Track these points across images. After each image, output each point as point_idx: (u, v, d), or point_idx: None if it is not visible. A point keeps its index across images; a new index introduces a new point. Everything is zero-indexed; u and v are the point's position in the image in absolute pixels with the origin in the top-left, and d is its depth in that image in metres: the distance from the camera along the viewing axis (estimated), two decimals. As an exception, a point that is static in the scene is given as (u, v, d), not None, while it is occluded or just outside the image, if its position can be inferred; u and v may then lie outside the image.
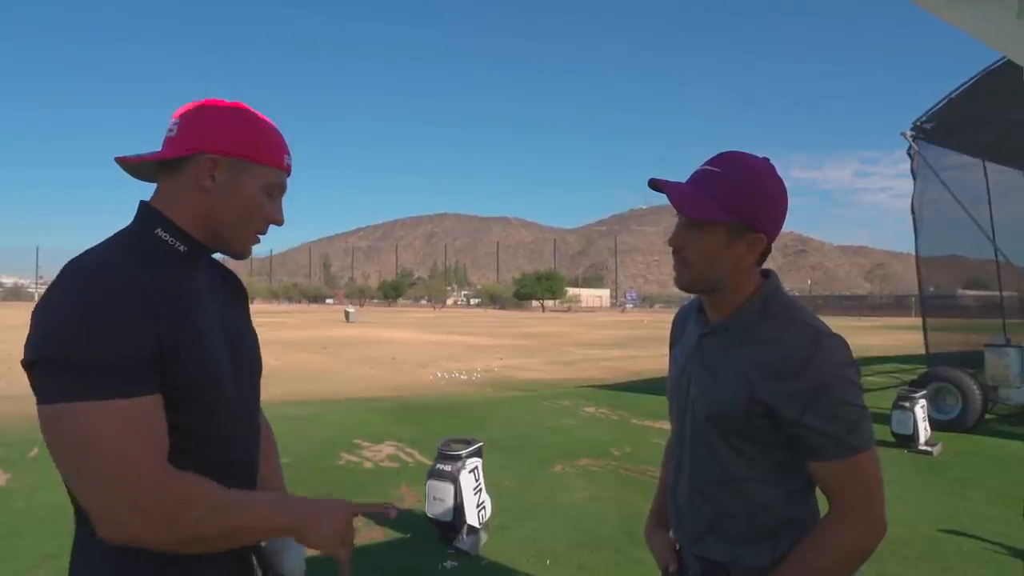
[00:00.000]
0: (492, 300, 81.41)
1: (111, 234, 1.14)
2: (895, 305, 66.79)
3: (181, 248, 1.11)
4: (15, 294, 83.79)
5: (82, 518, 1.04)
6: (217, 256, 1.26)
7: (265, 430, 1.39)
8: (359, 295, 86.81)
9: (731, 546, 1.30)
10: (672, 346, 1.52)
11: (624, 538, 4.12)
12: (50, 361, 0.94)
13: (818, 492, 1.30)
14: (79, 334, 0.94)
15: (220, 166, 1.11)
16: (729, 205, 1.23)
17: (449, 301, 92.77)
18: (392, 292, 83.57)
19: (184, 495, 0.99)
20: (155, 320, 1.00)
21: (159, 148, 1.14)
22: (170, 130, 1.13)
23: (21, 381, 1.15)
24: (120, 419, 0.95)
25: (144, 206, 1.13)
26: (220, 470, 1.08)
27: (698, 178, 1.28)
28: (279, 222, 1.20)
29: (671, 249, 1.31)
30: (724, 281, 1.28)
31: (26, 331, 0.99)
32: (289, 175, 1.21)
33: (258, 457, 1.27)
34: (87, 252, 1.06)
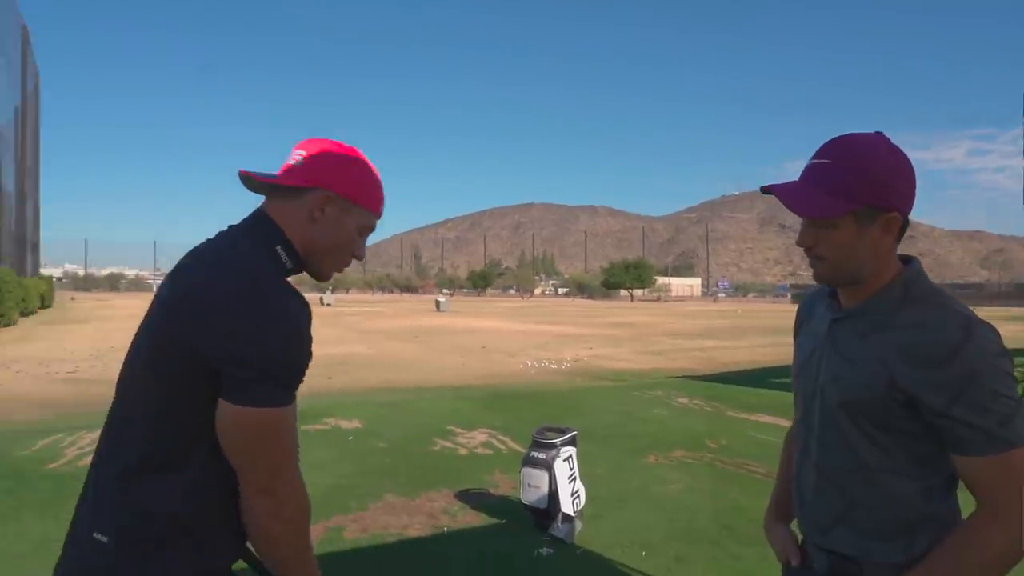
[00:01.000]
0: (580, 289, 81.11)
1: (235, 231, 1.27)
2: (1015, 294, 61.83)
3: (288, 266, 1.27)
4: (136, 285, 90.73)
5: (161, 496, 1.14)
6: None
7: None
8: (448, 285, 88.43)
9: (861, 539, 1.24)
10: (796, 333, 1.47)
11: (723, 532, 4.03)
12: (276, 374, 1.13)
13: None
14: (298, 352, 1.16)
15: (332, 202, 1.27)
16: (850, 194, 1.17)
17: (537, 291, 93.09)
18: (481, 282, 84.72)
19: (308, 505, 1.23)
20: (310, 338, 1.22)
21: (261, 167, 1.35)
22: (294, 159, 1.27)
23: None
24: (290, 425, 1.18)
25: (266, 219, 1.27)
26: None
27: (809, 174, 1.23)
28: (360, 257, 1.38)
29: (803, 248, 1.27)
30: (865, 270, 1.22)
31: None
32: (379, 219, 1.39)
33: None
34: (248, 261, 1.19)
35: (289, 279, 1.27)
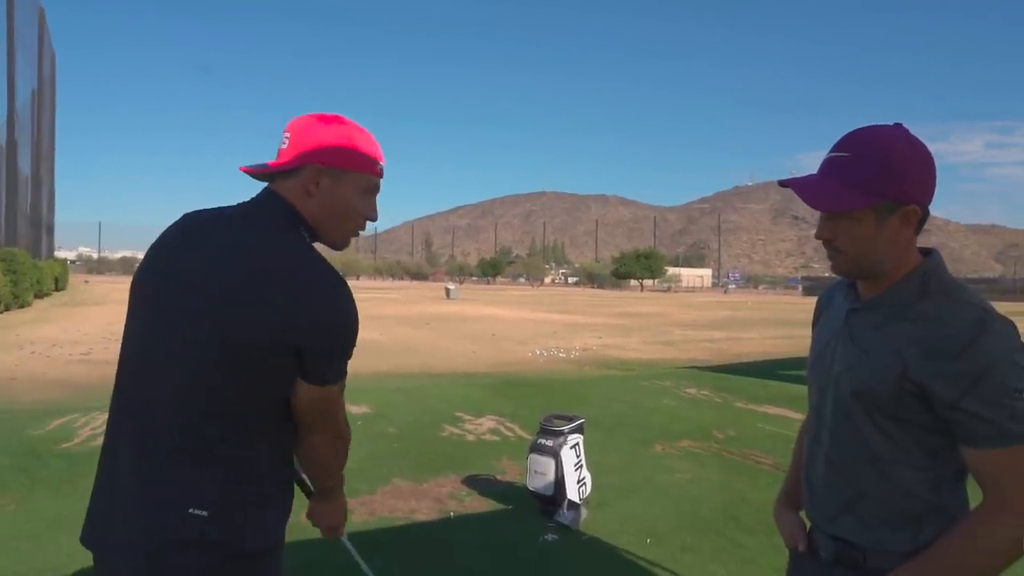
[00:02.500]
0: (590, 279, 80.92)
1: (253, 211, 1.31)
2: (1031, 289, 61.15)
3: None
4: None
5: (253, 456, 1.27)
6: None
7: None
8: (459, 273, 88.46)
9: (867, 528, 1.25)
10: (815, 324, 1.47)
11: (729, 522, 4.04)
12: (348, 353, 1.30)
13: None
14: (354, 336, 1.30)
15: (323, 175, 1.31)
16: (869, 187, 1.17)
17: (547, 279, 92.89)
18: (491, 270, 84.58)
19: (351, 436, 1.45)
20: None
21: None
22: (283, 141, 1.32)
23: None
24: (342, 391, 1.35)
25: (282, 200, 1.30)
26: None
27: (828, 168, 1.23)
28: (373, 219, 1.41)
29: (822, 241, 1.27)
30: (884, 263, 1.22)
31: None
32: (382, 178, 1.40)
33: None
34: (303, 251, 1.28)
35: None
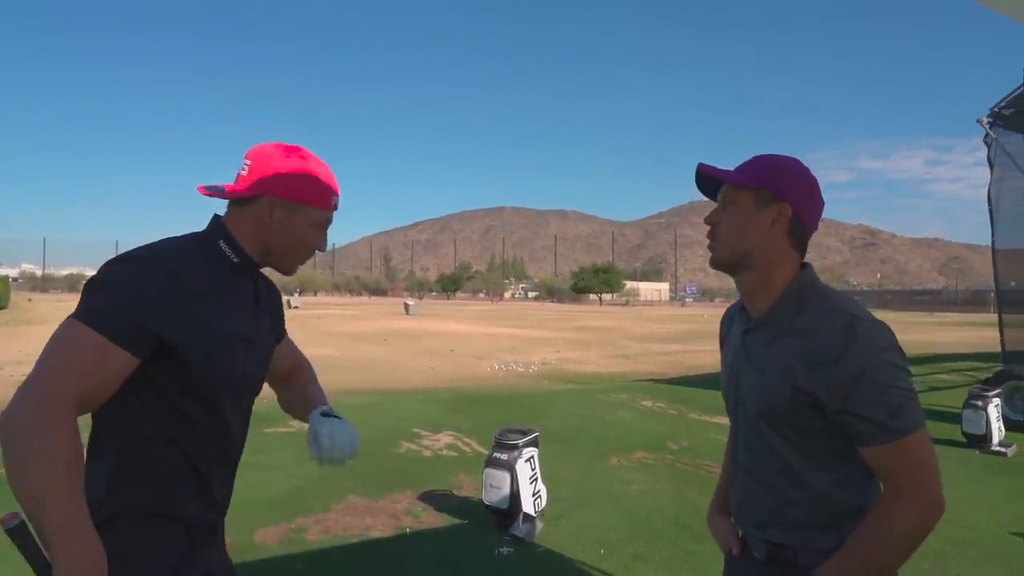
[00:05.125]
0: (549, 293, 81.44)
1: (192, 231, 1.40)
2: (971, 300, 63.80)
3: (234, 259, 1.36)
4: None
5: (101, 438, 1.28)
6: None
7: (304, 366, 1.83)
8: (418, 288, 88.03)
9: (794, 534, 1.33)
10: (721, 344, 1.56)
11: (680, 531, 4.13)
12: (85, 295, 1.21)
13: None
14: (112, 286, 1.20)
15: (278, 207, 1.35)
16: (754, 176, 1.33)
17: (507, 294, 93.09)
18: (450, 285, 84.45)
19: (52, 437, 1.10)
20: (173, 304, 1.22)
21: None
22: (242, 168, 1.35)
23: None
24: (87, 346, 1.16)
25: (216, 219, 1.38)
26: (190, 460, 1.30)
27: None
28: (323, 249, 1.45)
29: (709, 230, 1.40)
30: (752, 256, 1.33)
31: None
32: (335, 211, 1.43)
33: (228, 470, 1.43)
34: (166, 240, 1.33)
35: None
